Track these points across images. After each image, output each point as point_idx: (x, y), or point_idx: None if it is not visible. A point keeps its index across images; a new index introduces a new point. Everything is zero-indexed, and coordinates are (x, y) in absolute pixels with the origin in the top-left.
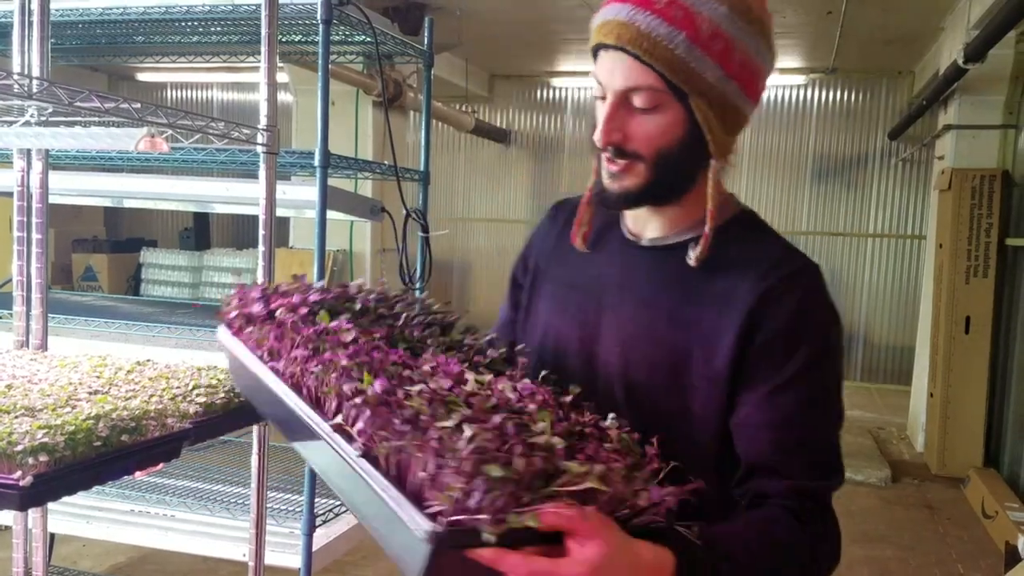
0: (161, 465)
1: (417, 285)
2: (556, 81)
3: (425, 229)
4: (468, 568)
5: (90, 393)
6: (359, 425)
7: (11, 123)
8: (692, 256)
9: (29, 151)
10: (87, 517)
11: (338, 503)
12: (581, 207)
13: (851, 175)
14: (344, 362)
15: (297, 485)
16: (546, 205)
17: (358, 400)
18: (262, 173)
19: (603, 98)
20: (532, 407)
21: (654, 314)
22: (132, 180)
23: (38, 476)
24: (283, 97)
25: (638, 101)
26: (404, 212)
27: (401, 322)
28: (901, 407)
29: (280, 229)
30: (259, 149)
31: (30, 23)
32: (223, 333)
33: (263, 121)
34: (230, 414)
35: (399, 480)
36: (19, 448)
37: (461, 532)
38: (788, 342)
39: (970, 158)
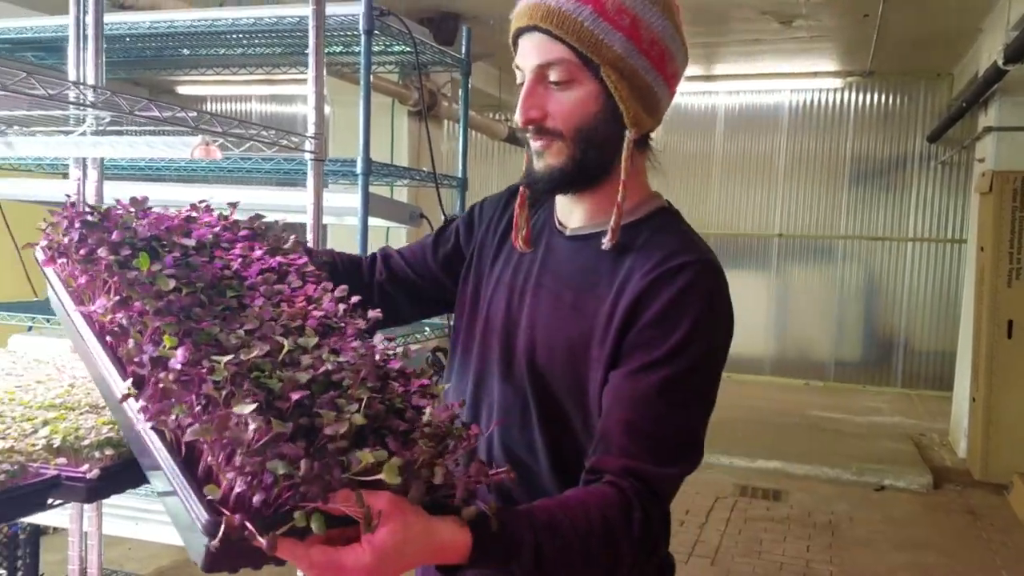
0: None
1: None
2: None
3: None
4: (253, 554)
5: None
6: (144, 403)
7: (68, 133)
8: (605, 239)
9: (84, 160)
10: (136, 519)
11: None
12: (516, 211)
13: (890, 179)
14: (151, 321)
15: None
16: None
17: (160, 372)
18: (310, 180)
19: (523, 82)
20: (348, 380)
21: (562, 300)
22: (178, 189)
23: (104, 469)
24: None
25: (553, 76)
26: (443, 218)
27: (239, 263)
28: (943, 413)
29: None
30: (307, 156)
31: (85, 36)
32: (40, 255)
33: (311, 129)
34: None
35: (188, 460)
36: (86, 443)
37: (238, 526)
38: (657, 328)
39: (1011, 160)
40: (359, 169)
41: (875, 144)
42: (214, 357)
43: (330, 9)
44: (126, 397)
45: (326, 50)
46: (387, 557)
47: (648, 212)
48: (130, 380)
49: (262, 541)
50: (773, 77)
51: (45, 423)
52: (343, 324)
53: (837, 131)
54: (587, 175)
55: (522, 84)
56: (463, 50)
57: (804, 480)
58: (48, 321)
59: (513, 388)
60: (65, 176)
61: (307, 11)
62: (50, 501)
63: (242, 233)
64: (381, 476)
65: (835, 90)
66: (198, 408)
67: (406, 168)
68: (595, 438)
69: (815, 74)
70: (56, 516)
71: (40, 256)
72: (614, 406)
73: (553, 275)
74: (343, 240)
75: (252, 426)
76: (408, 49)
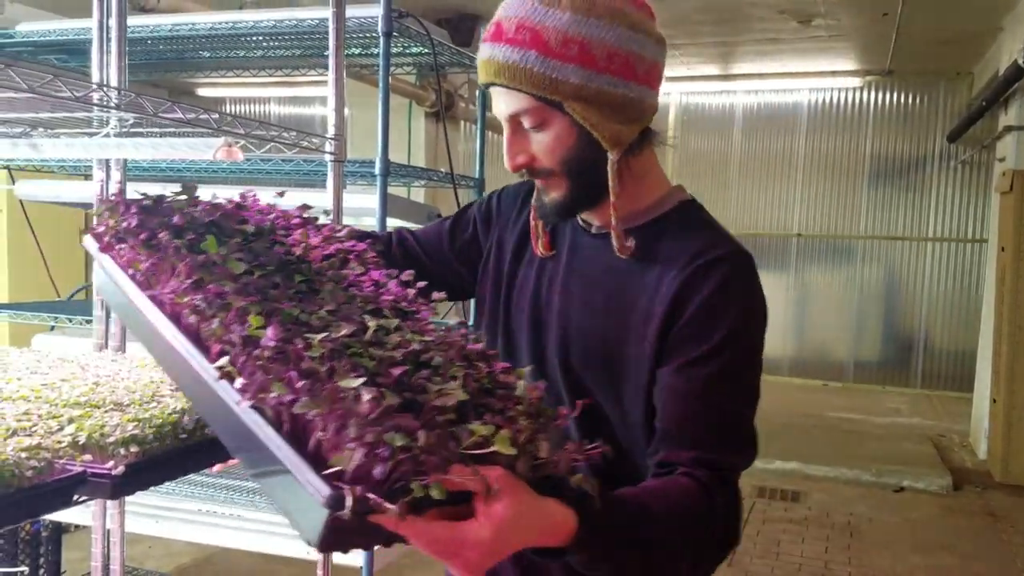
0: (235, 460)
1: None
2: None
3: None
4: (368, 531)
5: (173, 390)
6: (244, 380)
7: (93, 134)
8: (616, 248)
9: (108, 162)
10: (156, 516)
11: None
12: (532, 222)
13: (909, 178)
14: (235, 301)
15: None
16: None
17: (253, 351)
18: (330, 181)
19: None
20: (439, 359)
21: (593, 300)
22: (199, 191)
23: (129, 466)
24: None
25: (527, 123)
26: None
27: (300, 250)
28: (963, 414)
29: None
30: (327, 158)
31: (108, 39)
32: (91, 243)
33: (331, 130)
34: None
35: (293, 436)
36: (111, 439)
37: (362, 498)
38: (703, 323)
39: None
40: (377, 170)
41: (894, 143)
42: (307, 335)
43: (349, 11)
44: (225, 374)
45: (347, 51)
46: (503, 532)
47: (671, 206)
48: (225, 358)
49: (393, 508)
50: (791, 76)
51: (71, 420)
52: (414, 307)
53: (856, 130)
54: (589, 199)
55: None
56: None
57: (823, 481)
58: (71, 321)
59: (546, 388)
60: (88, 177)
61: (327, 13)
62: (76, 497)
63: (294, 221)
64: (490, 450)
65: (854, 89)
66: (301, 384)
67: (423, 169)
68: (657, 434)
69: (834, 73)
70: (79, 514)
71: (93, 244)
72: (672, 401)
73: (581, 275)
74: None
75: (367, 397)
76: (426, 50)
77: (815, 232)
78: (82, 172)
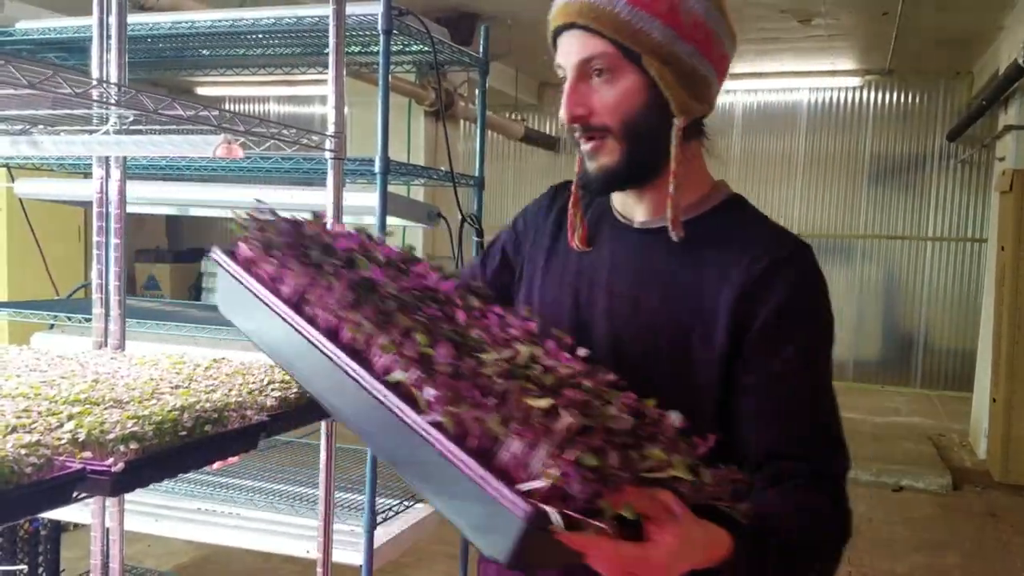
0: (238, 458)
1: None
2: None
3: (480, 234)
4: (552, 548)
5: (172, 387)
6: (431, 392)
7: (92, 132)
8: (672, 232)
9: (107, 160)
10: (155, 515)
11: (397, 502)
12: (570, 211)
13: (909, 177)
14: (401, 319)
15: (355, 484)
16: None
17: (432, 366)
18: (330, 179)
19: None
20: (588, 384)
21: (645, 300)
22: (199, 189)
23: (129, 463)
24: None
25: (597, 72)
26: (460, 217)
27: (430, 282)
28: (962, 413)
29: None
30: (327, 155)
31: (108, 36)
32: (221, 256)
33: (331, 128)
34: (303, 408)
35: (474, 452)
36: (111, 436)
37: (559, 515)
38: (784, 328)
39: None
40: (377, 168)
41: (894, 143)
42: (476, 355)
43: (349, 9)
44: (404, 391)
45: (352, 50)
46: (678, 554)
47: (720, 201)
48: (400, 374)
49: (602, 527)
50: (791, 76)
51: (70, 417)
52: (542, 339)
53: (856, 130)
54: (641, 170)
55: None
56: (481, 49)
57: None
58: (70, 319)
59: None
60: (88, 176)
61: (327, 11)
62: (75, 494)
63: (410, 259)
64: (670, 474)
65: (854, 88)
66: (489, 401)
67: (423, 167)
68: (759, 445)
69: (833, 72)
70: (78, 512)
71: (227, 260)
72: (772, 415)
73: (626, 273)
74: None
75: (567, 418)
76: (426, 48)
77: (815, 231)
78: (81, 170)
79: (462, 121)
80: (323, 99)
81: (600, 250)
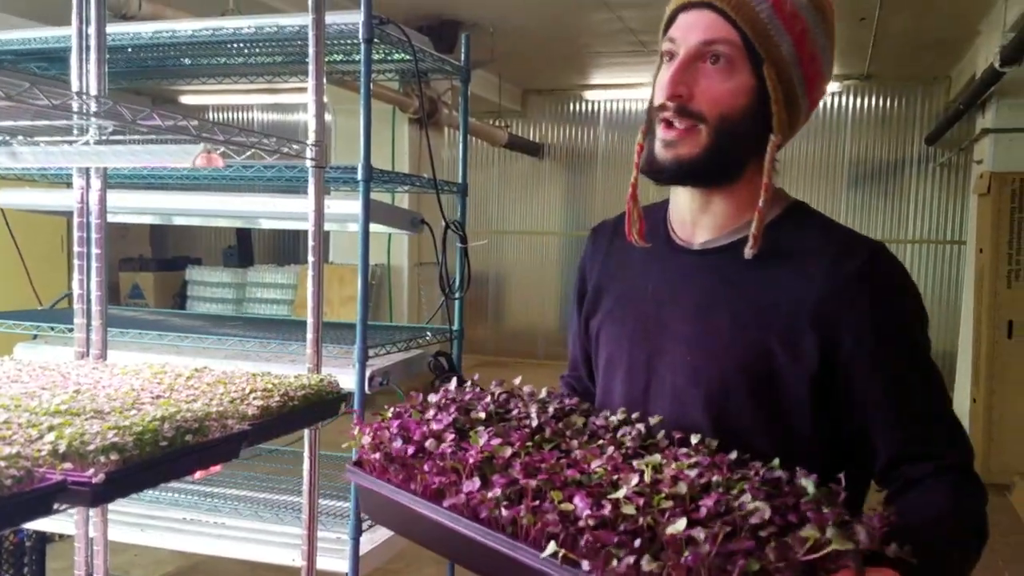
0: (220, 467)
1: (456, 295)
2: (588, 94)
3: (464, 240)
4: None
5: (153, 397)
6: (585, 566)
7: (72, 142)
8: (748, 248)
9: (88, 170)
10: (141, 525)
11: None
12: (628, 204)
13: (888, 181)
14: (527, 485)
15: (340, 491)
16: (580, 216)
17: (576, 522)
18: (311, 187)
19: (670, 56)
20: (717, 477)
21: (718, 319)
22: (182, 198)
23: (109, 474)
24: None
25: (713, 57)
26: (443, 224)
27: (533, 422)
28: None
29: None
30: (308, 164)
31: (87, 47)
32: (355, 473)
33: (311, 137)
34: (285, 417)
35: None
36: (91, 447)
37: None
38: (882, 338)
39: (1009, 161)
40: (360, 176)
41: (874, 147)
42: (609, 496)
43: (330, 18)
44: (562, 559)
45: (326, 59)
46: None
47: (783, 208)
48: (552, 545)
49: None
50: None
51: (51, 429)
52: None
53: (836, 134)
54: (720, 170)
55: (667, 56)
56: (463, 57)
57: None
58: (52, 329)
59: (681, 424)
60: (70, 185)
61: (307, 20)
62: (56, 506)
63: (502, 396)
64: (829, 549)
65: (833, 94)
66: (637, 543)
67: (406, 175)
68: (885, 455)
69: None
70: (62, 523)
71: (359, 474)
72: (895, 423)
73: (689, 299)
74: (345, 246)
75: (702, 536)
76: (408, 57)
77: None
78: (64, 180)
79: (446, 128)
80: (307, 106)
81: (663, 278)
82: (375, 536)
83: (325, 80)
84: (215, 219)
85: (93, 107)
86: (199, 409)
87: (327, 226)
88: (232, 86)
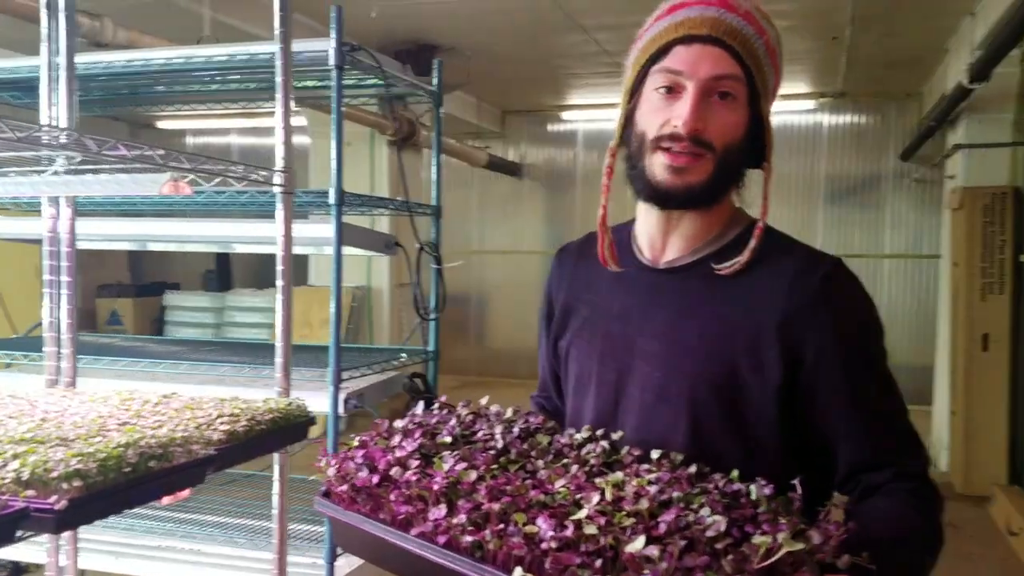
0: (188, 492)
1: (432, 316)
2: (566, 115)
3: (438, 261)
4: None
5: (119, 424)
6: None
7: (41, 172)
8: (728, 264)
9: (58, 199)
10: (116, 553)
11: None
12: (600, 229)
13: (864, 197)
14: (491, 510)
15: (315, 515)
16: (560, 235)
17: (540, 544)
18: (279, 213)
19: (668, 89)
20: (678, 493)
21: (685, 336)
22: (155, 224)
23: (72, 501)
24: (301, 139)
25: (721, 92)
26: (417, 246)
27: (498, 443)
28: (923, 427)
29: (300, 267)
30: (276, 190)
31: (56, 77)
32: (324, 505)
33: (279, 163)
34: (251, 441)
35: None
36: (54, 475)
37: None
38: (842, 350)
39: (981, 176)
40: (332, 199)
41: (849, 163)
42: (572, 517)
43: (302, 45)
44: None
45: (301, 83)
46: None
47: (745, 227)
48: (519, 570)
49: None
50: None
51: (15, 456)
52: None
53: (812, 151)
54: (716, 195)
55: (666, 90)
56: (435, 81)
57: None
58: (27, 357)
59: (650, 440)
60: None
61: (297, 47)
62: (19, 533)
63: (468, 418)
64: (783, 552)
65: (808, 111)
66: (599, 564)
67: (379, 198)
68: (845, 460)
69: (788, 96)
70: (34, 552)
71: (328, 505)
72: (854, 434)
73: (659, 314)
74: (325, 268)
75: (655, 552)
76: (381, 82)
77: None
78: (37, 209)
79: (425, 150)
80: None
81: (630, 297)
82: (351, 560)
83: (302, 104)
84: (190, 244)
85: (62, 139)
86: (163, 435)
87: (303, 249)
88: (209, 111)
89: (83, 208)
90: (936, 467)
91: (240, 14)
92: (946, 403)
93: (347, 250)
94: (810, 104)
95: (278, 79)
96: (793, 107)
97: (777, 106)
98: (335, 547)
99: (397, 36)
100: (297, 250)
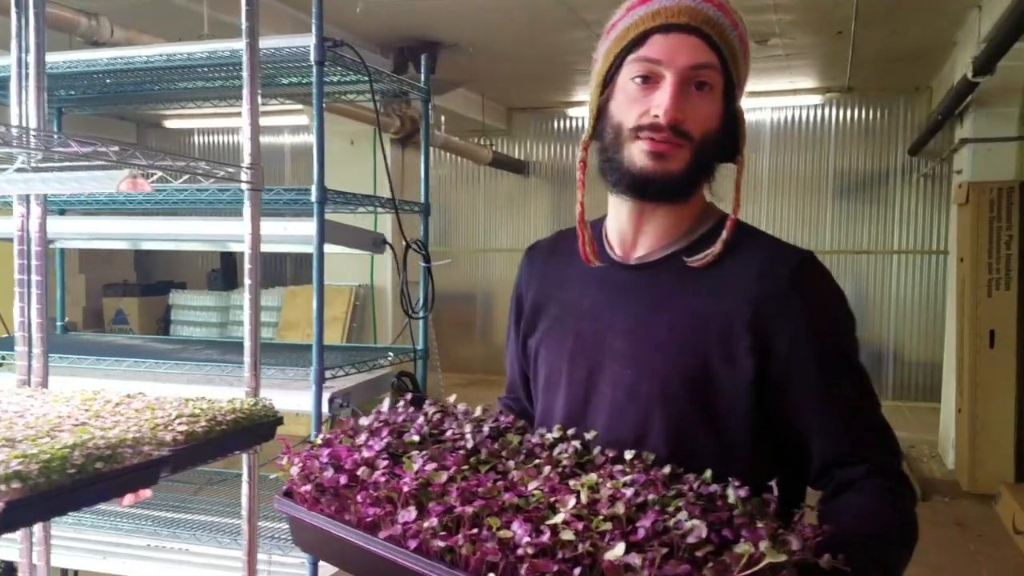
0: (148, 493)
1: (420, 315)
2: (572, 111)
3: (427, 259)
4: None
5: (75, 424)
6: None
7: (3, 170)
8: (699, 256)
9: (28, 197)
10: (103, 552)
11: None
12: (579, 225)
13: (873, 192)
14: (464, 513)
15: None
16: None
17: (515, 550)
18: (246, 210)
19: (644, 79)
20: (653, 496)
21: (655, 331)
22: (150, 223)
23: (10, 503)
24: (304, 139)
25: (699, 82)
26: (404, 244)
27: (469, 443)
28: (933, 425)
29: (306, 266)
30: (243, 187)
31: (26, 75)
32: (284, 504)
33: (246, 159)
34: (212, 442)
35: None
36: None
37: None
38: (814, 342)
39: (987, 171)
40: (314, 197)
41: (857, 158)
42: (548, 521)
43: (283, 41)
44: None
45: (290, 80)
46: None
47: (716, 221)
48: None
49: None
50: (753, 95)
51: None
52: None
53: (819, 147)
54: (692, 187)
55: (643, 82)
56: (422, 77)
57: None
58: (3, 358)
59: (622, 439)
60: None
61: (269, 44)
62: None
63: (436, 416)
64: (765, 563)
65: (815, 106)
66: (577, 572)
67: (364, 195)
68: (819, 460)
69: (795, 91)
70: (11, 551)
71: (290, 505)
72: (828, 429)
73: (629, 311)
74: (328, 268)
75: (637, 561)
76: (379, 79)
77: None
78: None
79: (431, 148)
80: (292, 129)
81: (601, 294)
82: None
83: (303, 102)
84: (187, 243)
85: (14, 135)
86: (114, 436)
87: (290, 248)
88: (213, 110)
89: (82, 207)
90: (943, 465)
91: (240, 12)
92: (953, 400)
93: (340, 249)
94: (817, 99)
95: (245, 75)
96: (799, 102)
97: (783, 100)
98: (345, 571)
99: (400, 32)
100: (284, 248)
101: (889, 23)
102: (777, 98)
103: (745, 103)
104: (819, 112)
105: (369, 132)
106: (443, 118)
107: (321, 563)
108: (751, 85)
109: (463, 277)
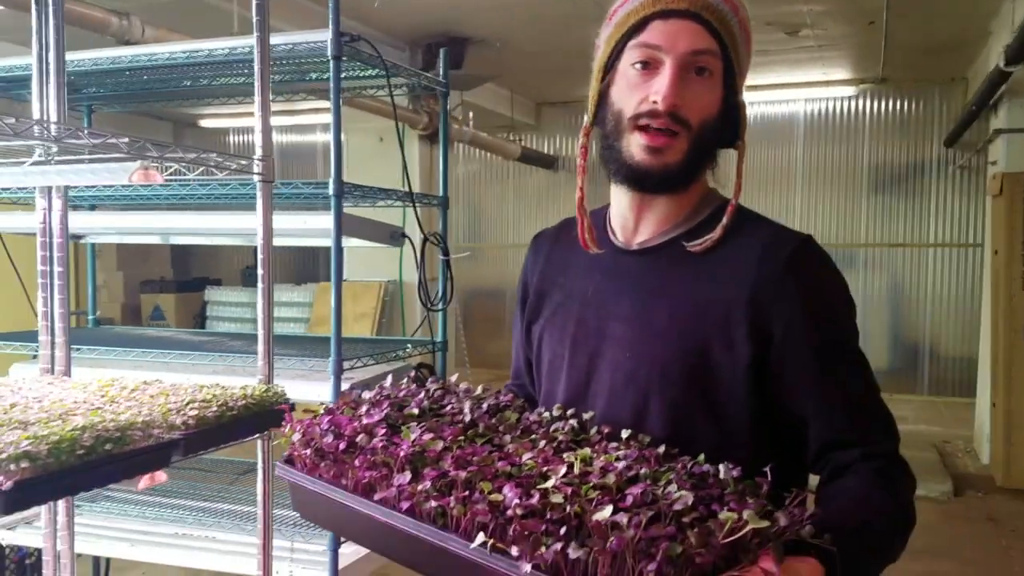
0: (163, 477)
1: (439, 307)
2: None
3: (446, 252)
4: None
5: (89, 409)
6: (514, 550)
7: (20, 163)
8: (699, 241)
9: (49, 191)
10: (131, 540)
11: None
12: (579, 212)
13: (908, 185)
14: (457, 477)
15: None
16: None
17: (505, 512)
18: (259, 202)
19: (644, 64)
20: (646, 470)
21: (656, 317)
22: (178, 217)
23: (19, 482)
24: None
25: (699, 68)
26: (421, 236)
27: (466, 417)
28: (968, 419)
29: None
30: (256, 179)
31: (47, 72)
32: (284, 470)
33: (258, 152)
34: (223, 427)
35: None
36: (3, 456)
37: None
38: (810, 325)
39: (1022, 162)
40: (331, 191)
41: (892, 151)
42: (539, 486)
43: (300, 36)
44: (492, 548)
45: (316, 76)
46: None
47: (716, 206)
48: (481, 536)
49: None
50: (786, 87)
51: None
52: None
53: (854, 139)
54: (692, 176)
55: (641, 64)
56: (440, 72)
57: None
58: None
59: (620, 422)
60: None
61: (289, 39)
62: None
63: (437, 393)
64: (748, 529)
65: (849, 98)
66: (563, 531)
67: (382, 189)
68: (815, 439)
69: (828, 83)
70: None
71: (289, 470)
72: (825, 412)
73: (631, 296)
74: (358, 263)
75: (625, 520)
76: (400, 74)
77: (817, 241)
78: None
79: (457, 144)
80: (324, 127)
81: (603, 279)
82: (357, 548)
83: (321, 99)
84: (222, 238)
85: (53, 131)
86: (124, 419)
87: (307, 242)
88: (247, 108)
89: (120, 202)
90: (977, 460)
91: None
92: (988, 394)
93: (359, 242)
94: (850, 91)
95: (256, 69)
96: (833, 93)
97: (817, 92)
98: (339, 536)
99: (428, 28)
100: (304, 242)
101: (922, 13)
102: (810, 89)
103: (778, 95)
104: (853, 104)
105: (394, 128)
106: (471, 113)
107: (341, 550)
108: (784, 76)
109: (493, 272)
